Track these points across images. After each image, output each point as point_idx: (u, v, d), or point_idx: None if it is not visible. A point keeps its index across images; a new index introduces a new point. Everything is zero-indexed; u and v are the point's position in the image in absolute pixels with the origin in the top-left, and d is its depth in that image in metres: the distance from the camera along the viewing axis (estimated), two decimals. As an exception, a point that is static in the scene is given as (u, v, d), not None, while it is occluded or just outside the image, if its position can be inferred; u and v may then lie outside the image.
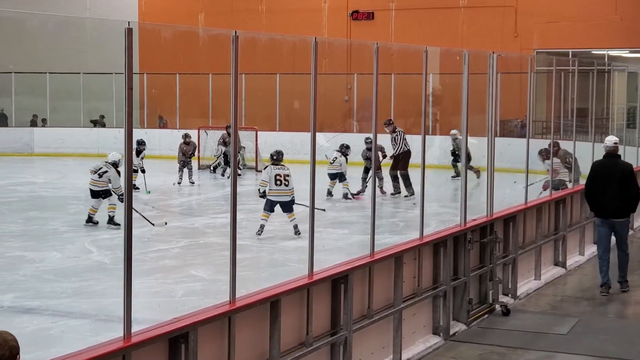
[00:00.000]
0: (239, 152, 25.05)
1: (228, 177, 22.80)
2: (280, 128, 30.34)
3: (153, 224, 14.79)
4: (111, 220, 15.39)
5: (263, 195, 14.58)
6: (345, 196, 18.97)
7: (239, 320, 6.56)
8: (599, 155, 15.14)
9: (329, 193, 19.14)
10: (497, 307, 10.88)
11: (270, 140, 28.36)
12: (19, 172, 24.99)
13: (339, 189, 18.94)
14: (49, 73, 32.87)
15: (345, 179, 18.98)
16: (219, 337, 6.42)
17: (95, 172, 15.69)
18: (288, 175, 14.43)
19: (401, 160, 19.17)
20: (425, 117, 10.21)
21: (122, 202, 14.27)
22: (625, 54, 32.22)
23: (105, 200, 15.68)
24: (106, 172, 15.65)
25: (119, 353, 5.51)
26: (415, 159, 18.75)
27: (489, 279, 10.80)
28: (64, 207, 17.97)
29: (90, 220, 15.58)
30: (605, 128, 19.77)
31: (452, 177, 21.85)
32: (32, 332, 9.16)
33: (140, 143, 20.99)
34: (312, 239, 7.57)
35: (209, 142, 27.51)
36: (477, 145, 16.04)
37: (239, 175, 24.44)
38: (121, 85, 5.77)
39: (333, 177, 19.16)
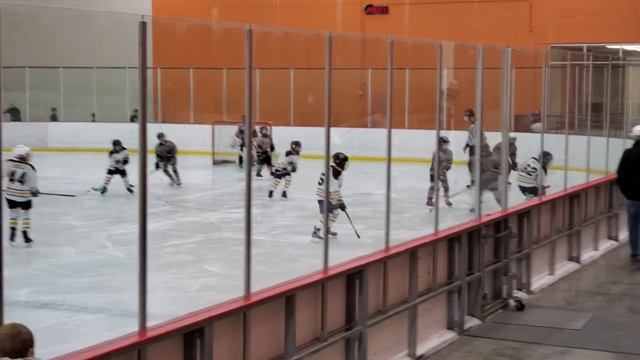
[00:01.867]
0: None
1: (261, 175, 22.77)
2: (294, 123, 30.34)
3: (73, 195, 14.36)
4: (25, 237, 13.42)
5: None
6: (284, 194, 18.91)
7: (254, 316, 6.57)
8: (614, 150, 15.16)
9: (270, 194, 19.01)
10: (512, 302, 10.86)
11: (284, 135, 28.40)
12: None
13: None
14: (63, 67, 32.95)
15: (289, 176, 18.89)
16: (234, 332, 6.43)
17: (12, 179, 13.24)
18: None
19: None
20: (440, 112, 10.19)
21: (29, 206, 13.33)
22: (640, 48, 32.10)
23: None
24: (25, 173, 13.33)
25: (134, 348, 5.53)
26: (428, 154, 18.69)
27: (503, 274, 10.79)
28: (77, 202, 18.02)
29: (14, 235, 13.22)
30: (620, 123, 19.68)
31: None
32: (47, 326, 9.20)
33: (116, 143, 20.00)
34: (327, 233, 7.57)
35: (223, 137, 27.53)
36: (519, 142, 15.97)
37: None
38: (134, 79, 5.78)
39: (278, 176, 19.16)
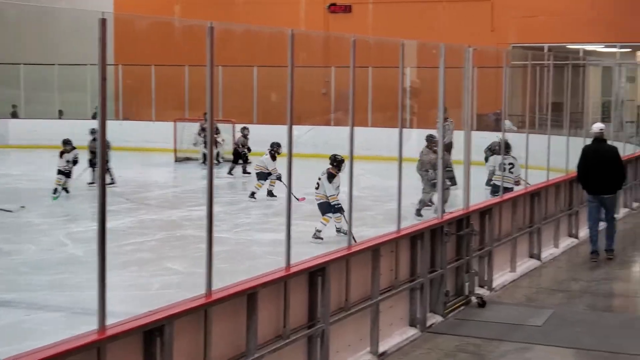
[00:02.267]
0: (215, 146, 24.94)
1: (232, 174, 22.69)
2: (257, 121, 30.29)
3: (10, 211, 12.71)
4: None
5: None
6: (270, 193, 18.57)
7: (216, 313, 6.54)
8: (574, 149, 15.30)
9: (252, 195, 18.57)
10: (473, 299, 10.92)
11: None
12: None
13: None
14: (23, 64, 32.63)
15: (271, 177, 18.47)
16: (195, 330, 6.40)
17: None
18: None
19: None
20: (402, 111, 10.21)
21: None
22: (600, 48, 32.39)
23: None
24: None
25: (94, 346, 5.48)
26: (392, 152, 18.72)
27: (465, 271, 10.85)
28: (39, 199, 17.88)
29: None
30: (580, 122, 19.85)
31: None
32: (6, 325, 9.12)
33: (66, 143, 19.38)
34: (289, 231, 7.55)
35: (185, 135, 27.42)
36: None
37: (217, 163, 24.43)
38: (95, 76, 5.73)
39: (259, 177, 18.63)
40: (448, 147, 18.64)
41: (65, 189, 18.78)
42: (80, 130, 20.60)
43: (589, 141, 14.21)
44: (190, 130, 26.96)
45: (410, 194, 14.68)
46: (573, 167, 15.39)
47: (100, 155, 5.89)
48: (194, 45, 12.40)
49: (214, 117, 7.05)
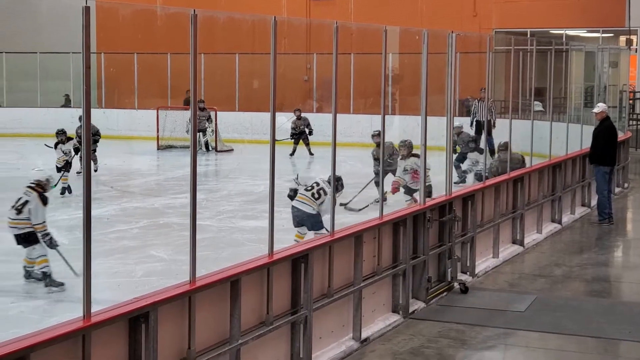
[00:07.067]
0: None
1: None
2: (240, 108, 30.26)
3: (76, 274, 9.84)
4: (48, 279, 10.33)
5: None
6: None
7: (199, 300, 6.57)
8: (557, 133, 15.44)
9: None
10: (456, 285, 10.98)
11: (230, 120, 28.35)
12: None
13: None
14: (5, 53, 32.47)
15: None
16: (179, 316, 6.43)
17: (13, 207, 10.52)
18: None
19: None
20: (385, 97, 10.24)
21: (51, 248, 10.39)
22: (583, 33, 32.49)
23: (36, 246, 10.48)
24: (26, 202, 10.46)
25: (79, 333, 5.50)
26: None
27: (447, 257, 10.89)
28: (21, 188, 17.78)
29: (29, 275, 10.57)
30: (563, 107, 19.93)
31: None
32: (-10, 313, 9.11)
33: (61, 133, 17.93)
34: (272, 218, 7.58)
35: (168, 123, 27.36)
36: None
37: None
38: (79, 64, 5.73)
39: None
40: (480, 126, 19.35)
41: (67, 189, 17.18)
42: (63, 118, 20.52)
43: (572, 127, 14.33)
44: (173, 118, 26.93)
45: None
46: (556, 152, 15.49)
47: (84, 143, 5.90)
48: (176, 32, 12.40)
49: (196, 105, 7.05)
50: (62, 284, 10.20)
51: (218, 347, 6.84)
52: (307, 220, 11.53)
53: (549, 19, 30.39)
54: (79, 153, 18.52)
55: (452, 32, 11.22)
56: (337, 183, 10.61)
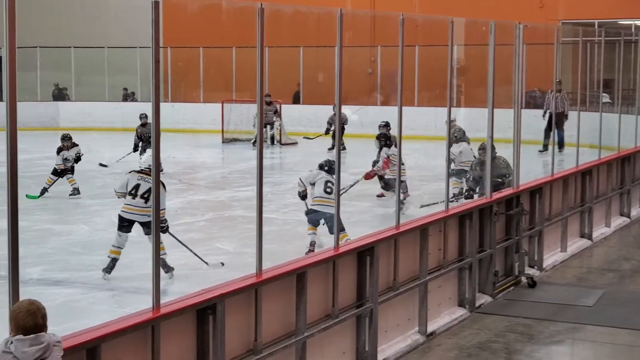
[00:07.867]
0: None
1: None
2: (304, 101, 30.32)
3: (207, 263, 10.51)
4: (166, 266, 10.08)
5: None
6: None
7: (266, 292, 6.61)
8: (626, 126, 15.18)
9: None
10: (523, 279, 10.88)
11: (294, 114, 28.43)
12: (45, 146, 25.20)
13: None
14: (74, 47, 32.95)
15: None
16: (246, 308, 6.47)
17: (133, 194, 10.38)
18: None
19: None
20: (450, 90, 10.17)
21: (163, 233, 9.90)
22: (653, 23, 31.88)
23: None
24: (149, 189, 10.19)
25: (148, 324, 5.57)
26: (439, 131, 18.64)
27: (515, 251, 10.80)
28: (90, 180, 18.07)
29: (165, 264, 10.07)
30: (632, 99, 19.60)
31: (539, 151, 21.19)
32: (61, 303, 9.26)
33: (66, 138, 16.78)
34: (339, 211, 7.58)
35: (232, 116, 27.55)
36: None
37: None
38: (145, 59, 5.82)
39: None
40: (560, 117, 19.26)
41: (77, 190, 16.41)
42: (128, 111, 20.71)
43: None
44: (239, 111, 27.09)
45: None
46: (624, 145, 15.24)
47: (154, 137, 5.96)
48: (241, 26, 12.45)
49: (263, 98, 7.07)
50: (173, 269, 10.19)
51: (284, 340, 6.87)
52: (330, 220, 10.42)
53: (617, 9, 29.86)
54: (137, 151, 19.27)
55: (520, 23, 11.10)
56: (330, 167, 10.89)
